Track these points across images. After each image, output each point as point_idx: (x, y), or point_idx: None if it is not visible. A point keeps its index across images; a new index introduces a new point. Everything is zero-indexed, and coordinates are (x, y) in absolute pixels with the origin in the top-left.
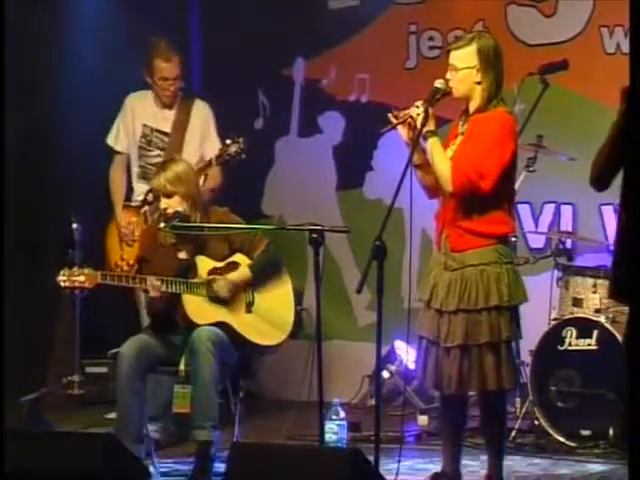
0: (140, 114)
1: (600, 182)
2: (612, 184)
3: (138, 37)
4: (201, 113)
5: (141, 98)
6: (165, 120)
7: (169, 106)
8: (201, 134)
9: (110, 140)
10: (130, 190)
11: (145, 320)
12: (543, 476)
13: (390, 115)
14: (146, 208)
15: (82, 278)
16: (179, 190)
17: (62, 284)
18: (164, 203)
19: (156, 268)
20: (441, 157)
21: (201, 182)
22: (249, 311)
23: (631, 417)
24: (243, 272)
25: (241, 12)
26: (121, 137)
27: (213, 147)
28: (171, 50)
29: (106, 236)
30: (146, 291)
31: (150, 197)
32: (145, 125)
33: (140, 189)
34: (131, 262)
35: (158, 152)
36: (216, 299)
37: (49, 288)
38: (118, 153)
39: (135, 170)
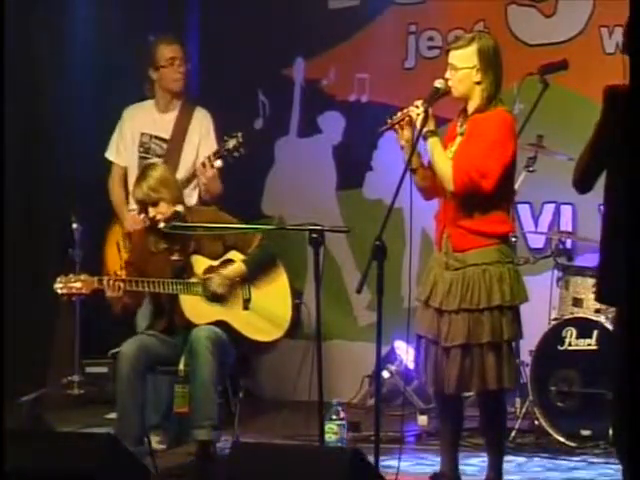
0: (138, 123)
1: (583, 183)
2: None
3: (138, 37)
4: (201, 120)
5: (139, 108)
6: (165, 125)
7: (177, 96)
8: (199, 141)
9: (109, 154)
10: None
11: (140, 326)
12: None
13: (388, 118)
14: (143, 215)
15: (79, 284)
16: (163, 196)
17: (59, 291)
18: (152, 212)
19: (150, 273)
20: (442, 157)
21: (194, 197)
22: (246, 308)
23: (631, 417)
24: (238, 267)
25: (241, 12)
26: (120, 150)
27: (209, 152)
28: (172, 37)
29: (105, 244)
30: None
31: None
32: (143, 133)
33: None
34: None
35: (156, 159)
36: (213, 297)
37: (49, 288)
38: (118, 166)
39: (132, 182)
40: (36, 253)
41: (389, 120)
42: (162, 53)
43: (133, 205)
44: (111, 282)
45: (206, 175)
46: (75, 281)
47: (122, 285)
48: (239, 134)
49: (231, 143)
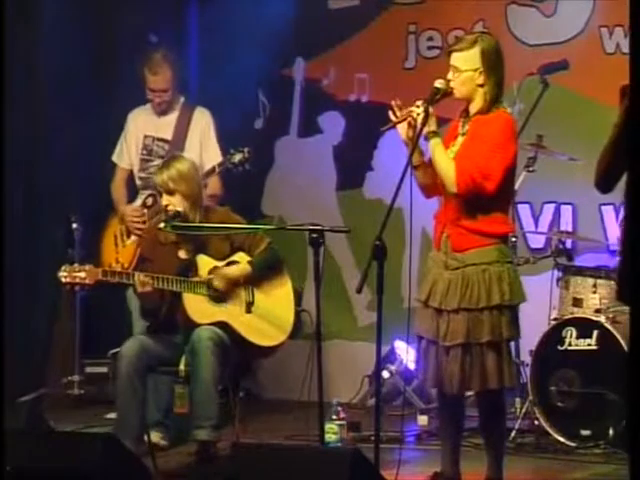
0: (141, 126)
1: (606, 184)
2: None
3: (138, 37)
4: (201, 121)
5: (142, 111)
6: (166, 127)
7: (162, 113)
8: (200, 141)
9: (115, 157)
10: (133, 201)
11: (137, 325)
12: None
13: (390, 113)
14: (145, 211)
15: (83, 274)
16: (180, 188)
17: (63, 280)
18: (165, 200)
19: (157, 267)
20: (444, 158)
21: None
22: (249, 311)
23: (631, 417)
24: (242, 267)
25: (241, 12)
26: (124, 154)
27: (212, 154)
28: (162, 62)
29: (101, 239)
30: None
31: (149, 201)
32: (146, 136)
33: (141, 198)
34: (126, 265)
35: (159, 161)
36: (216, 297)
37: (49, 288)
38: (122, 169)
39: (138, 182)
40: (36, 253)
41: (393, 118)
42: (147, 80)
43: (137, 202)
44: (116, 274)
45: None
46: (79, 271)
47: (150, 281)
48: (246, 149)
49: (237, 157)
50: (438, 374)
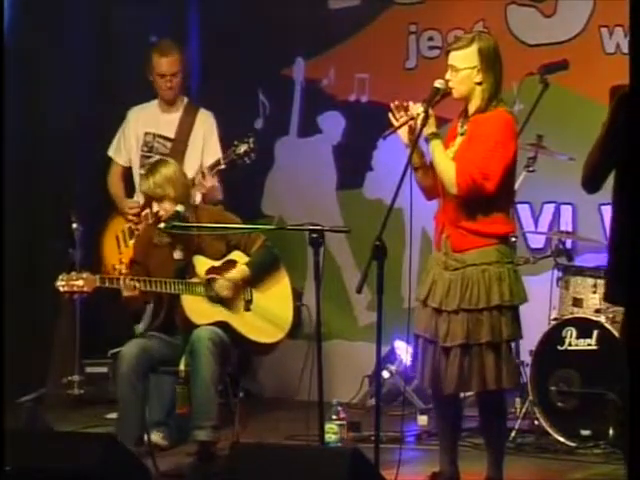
0: (143, 123)
1: (592, 183)
2: (605, 185)
3: (138, 37)
4: (205, 122)
5: (144, 108)
6: (168, 125)
7: (170, 103)
8: (203, 143)
9: (111, 152)
10: (131, 197)
11: (137, 328)
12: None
13: (391, 117)
14: (147, 211)
15: (81, 282)
16: (168, 193)
17: (61, 289)
18: (156, 206)
19: (152, 270)
20: (444, 159)
21: (198, 196)
22: (248, 309)
23: (631, 417)
24: (242, 271)
25: (241, 12)
26: (121, 149)
27: (213, 156)
28: (170, 46)
29: (102, 240)
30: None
31: None
32: (147, 133)
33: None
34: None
35: (159, 158)
36: (215, 298)
37: (49, 288)
38: (118, 164)
39: (137, 180)
40: (36, 253)
41: (395, 123)
42: (156, 64)
43: (137, 198)
44: (114, 280)
45: (205, 186)
46: (77, 279)
47: (137, 284)
48: (251, 140)
49: (242, 148)
50: (435, 374)
